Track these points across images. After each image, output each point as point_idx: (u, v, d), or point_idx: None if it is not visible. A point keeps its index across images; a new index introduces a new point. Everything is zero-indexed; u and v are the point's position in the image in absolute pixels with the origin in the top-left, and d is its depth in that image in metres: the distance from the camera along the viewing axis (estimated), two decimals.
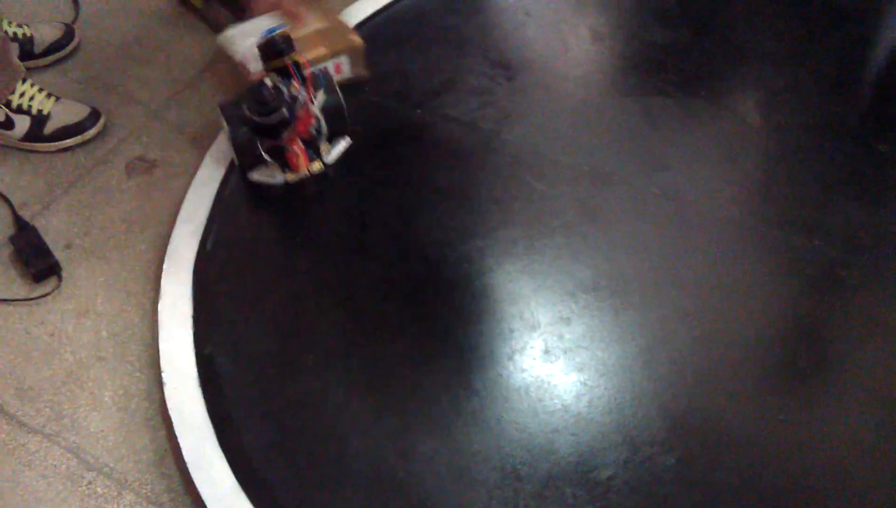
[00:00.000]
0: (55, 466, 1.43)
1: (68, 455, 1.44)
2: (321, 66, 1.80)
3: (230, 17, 2.08)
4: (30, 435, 1.46)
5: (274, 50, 1.67)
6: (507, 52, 1.91)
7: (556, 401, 1.40)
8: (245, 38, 1.77)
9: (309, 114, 1.68)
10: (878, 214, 1.59)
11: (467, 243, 1.62)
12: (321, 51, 1.81)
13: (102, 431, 1.46)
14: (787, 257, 1.55)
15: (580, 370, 1.43)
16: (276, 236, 1.66)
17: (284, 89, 1.66)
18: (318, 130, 1.73)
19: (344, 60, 1.81)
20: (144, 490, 1.39)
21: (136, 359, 1.55)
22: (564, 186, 1.69)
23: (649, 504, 1.29)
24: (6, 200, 1.79)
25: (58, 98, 1.89)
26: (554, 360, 1.45)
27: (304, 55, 1.70)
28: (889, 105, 1.76)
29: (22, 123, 1.85)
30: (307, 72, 1.70)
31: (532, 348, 1.47)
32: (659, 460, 1.32)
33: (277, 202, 1.73)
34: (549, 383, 1.42)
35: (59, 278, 1.67)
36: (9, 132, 1.86)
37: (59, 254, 1.69)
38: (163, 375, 1.48)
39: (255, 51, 1.68)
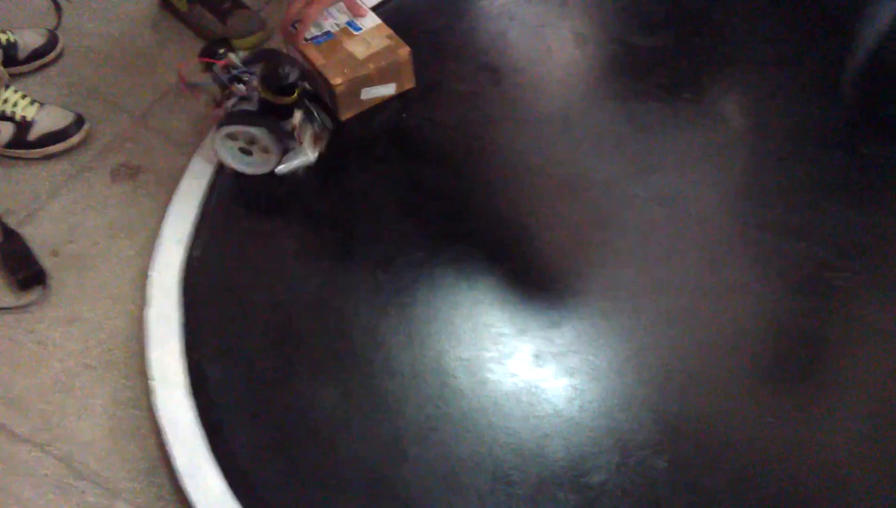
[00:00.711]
0: (45, 475, 1.42)
1: (59, 464, 1.43)
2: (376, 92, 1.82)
3: (214, 22, 2.08)
4: (19, 444, 1.46)
5: (283, 84, 1.65)
6: (493, 56, 1.92)
7: (546, 406, 1.40)
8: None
9: None
10: (866, 217, 1.60)
11: (455, 246, 1.62)
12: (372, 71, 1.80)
13: (93, 439, 1.46)
14: (776, 261, 1.56)
15: (571, 374, 1.44)
16: (264, 242, 1.65)
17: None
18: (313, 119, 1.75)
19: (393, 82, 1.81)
20: (136, 499, 1.38)
21: (124, 367, 1.54)
22: (551, 189, 1.69)
23: (641, 507, 1.30)
24: None
25: (42, 104, 1.88)
26: (544, 364, 1.45)
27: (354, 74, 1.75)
28: (874, 109, 1.77)
29: (5, 130, 1.84)
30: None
31: (522, 352, 1.47)
32: (650, 463, 1.33)
33: (265, 208, 1.72)
34: (539, 387, 1.43)
35: (46, 285, 1.66)
36: None
37: (45, 261, 1.68)
38: (152, 383, 1.47)
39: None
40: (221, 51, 1.73)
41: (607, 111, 1.82)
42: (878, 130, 1.73)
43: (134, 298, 1.63)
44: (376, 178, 1.73)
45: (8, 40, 2.01)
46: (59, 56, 2.09)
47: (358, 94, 1.78)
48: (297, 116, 1.72)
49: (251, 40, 2.10)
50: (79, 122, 1.89)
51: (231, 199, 1.73)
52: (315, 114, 1.76)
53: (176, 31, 2.14)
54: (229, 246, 1.68)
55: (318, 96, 1.82)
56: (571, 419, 1.39)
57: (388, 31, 1.82)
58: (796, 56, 1.89)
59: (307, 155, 1.74)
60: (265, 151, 1.71)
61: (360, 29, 1.82)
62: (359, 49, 1.78)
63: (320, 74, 1.76)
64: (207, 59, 1.72)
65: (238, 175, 1.73)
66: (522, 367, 1.45)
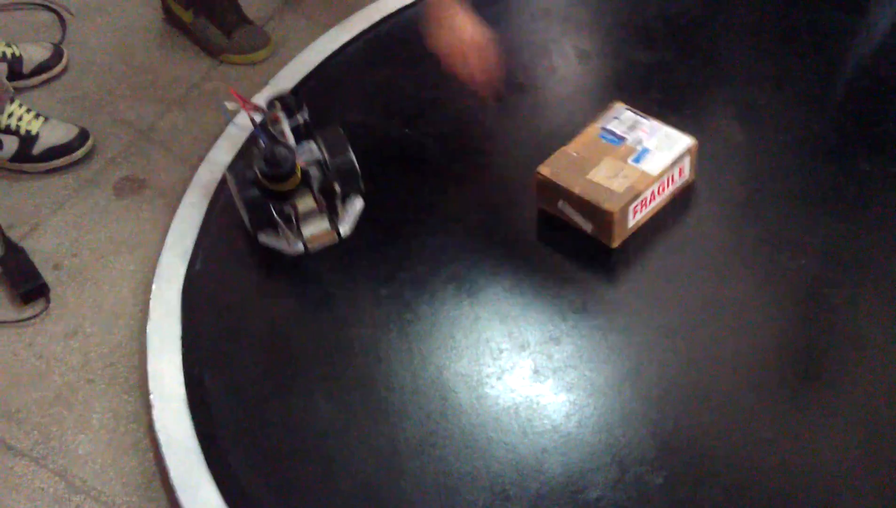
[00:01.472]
0: (43, 489, 1.42)
1: (56, 478, 1.43)
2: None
3: (219, 36, 2.09)
4: (17, 458, 1.46)
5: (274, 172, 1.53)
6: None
7: (545, 421, 1.40)
8: None
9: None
10: (863, 231, 1.60)
11: (455, 263, 1.62)
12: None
13: (90, 454, 1.46)
14: (773, 276, 1.55)
15: (569, 389, 1.43)
16: (264, 257, 1.66)
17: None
18: (332, 191, 1.63)
19: (686, 162, 1.66)
20: None
21: (124, 381, 1.55)
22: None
23: None
24: None
25: (46, 118, 1.88)
26: (543, 380, 1.45)
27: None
28: (871, 123, 1.77)
29: (10, 144, 1.85)
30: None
31: (521, 367, 1.47)
32: (647, 480, 1.32)
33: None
34: (538, 403, 1.42)
35: (48, 299, 1.67)
36: None
37: (47, 275, 1.69)
38: (151, 397, 1.48)
39: None
40: (274, 106, 1.64)
41: None
42: (875, 145, 1.73)
43: (135, 312, 1.64)
44: (377, 192, 1.72)
45: (13, 54, 2.02)
46: (65, 70, 2.10)
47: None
48: (303, 203, 1.60)
49: (257, 55, 2.11)
50: (83, 136, 1.90)
51: (233, 214, 1.73)
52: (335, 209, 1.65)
53: (180, 45, 2.16)
54: (230, 261, 1.68)
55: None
56: (569, 435, 1.38)
57: None
58: (794, 72, 1.89)
59: (293, 246, 1.63)
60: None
61: None
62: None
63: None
64: (264, 110, 1.64)
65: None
66: (521, 382, 1.45)
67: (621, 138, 1.64)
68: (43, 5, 2.27)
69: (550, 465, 1.35)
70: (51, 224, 1.79)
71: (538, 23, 2.06)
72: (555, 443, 1.37)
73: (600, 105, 1.71)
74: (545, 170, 1.62)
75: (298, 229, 1.61)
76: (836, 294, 1.52)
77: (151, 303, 1.61)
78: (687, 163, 1.64)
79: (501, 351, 1.49)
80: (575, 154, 1.63)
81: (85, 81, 2.09)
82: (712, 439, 1.37)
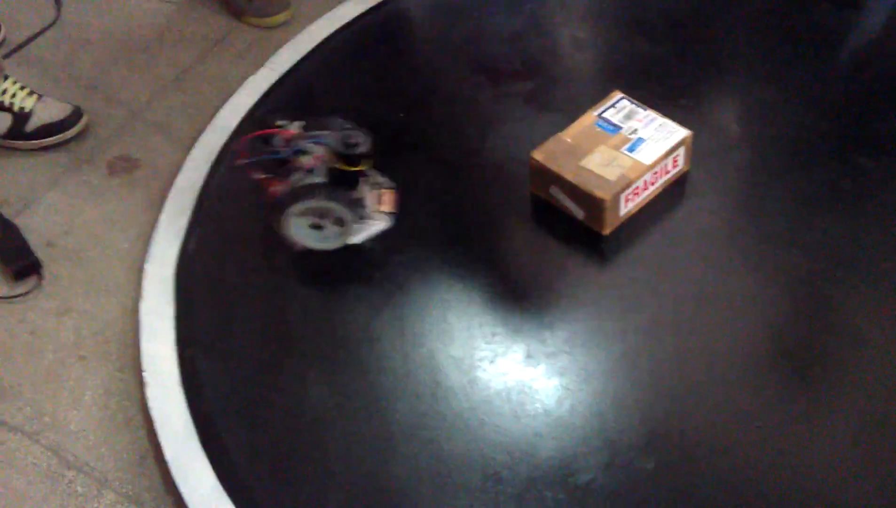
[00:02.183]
0: (35, 464, 1.42)
1: (48, 453, 1.43)
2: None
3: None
4: (10, 433, 1.46)
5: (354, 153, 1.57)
6: (491, 61, 1.93)
7: (537, 405, 1.41)
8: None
9: None
10: (861, 227, 1.60)
11: (449, 249, 1.63)
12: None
13: (83, 430, 1.46)
14: (770, 270, 1.56)
15: (562, 374, 1.44)
16: (258, 237, 1.66)
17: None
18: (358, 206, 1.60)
19: (681, 153, 1.67)
20: (125, 489, 1.38)
21: (117, 359, 1.55)
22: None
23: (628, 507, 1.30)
24: None
25: (40, 96, 1.88)
26: (536, 364, 1.46)
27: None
28: (869, 118, 1.78)
29: (3, 121, 1.84)
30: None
31: (514, 352, 1.47)
32: (638, 464, 1.33)
33: (260, 204, 1.72)
34: (530, 387, 1.43)
35: (41, 276, 1.66)
36: None
37: (40, 253, 1.69)
38: (144, 374, 1.48)
39: None
40: (280, 123, 1.60)
41: None
42: (873, 140, 1.74)
43: (128, 290, 1.64)
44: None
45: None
46: (58, 48, 2.08)
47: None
48: (364, 183, 1.62)
49: (277, 19, 2.12)
50: (77, 114, 1.89)
51: (227, 194, 1.73)
52: (378, 177, 1.65)
53: (176, 26, 2.15)
54: (224, 241, 1.68)
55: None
56: (561, 419, 1.39)
57: None
58: (792, 67, 1.90)
59: (381, 222, 1.62)
60: (339, 223, 1.57)
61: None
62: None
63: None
64: (269, 132, 1.58)
65: (234, 177, 1.72)
66: (514, 367, 1.46)
67: (617, 127, 1.65)
68: None
69: (542, 449, 1.36)
70: (44, 202, 1.79)
71: (542, 10, 2.06)
72: (547, 427, 1.38)
73: (600, 94, 1.72)
74: (539, 155, 1.62)
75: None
76: (834, 289, 1.53)
77: (144, 282, 1.60)
78: (682, 154, 1.65)
79: (494, 335, 1.50)
80: (569, 141, 1.64)
81: (80, 59, 2.08)
82: (703, 424, 1.38)
